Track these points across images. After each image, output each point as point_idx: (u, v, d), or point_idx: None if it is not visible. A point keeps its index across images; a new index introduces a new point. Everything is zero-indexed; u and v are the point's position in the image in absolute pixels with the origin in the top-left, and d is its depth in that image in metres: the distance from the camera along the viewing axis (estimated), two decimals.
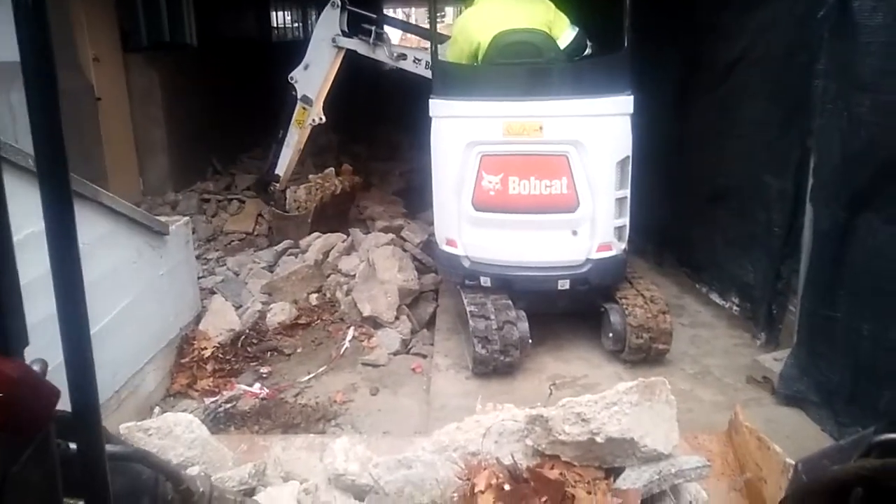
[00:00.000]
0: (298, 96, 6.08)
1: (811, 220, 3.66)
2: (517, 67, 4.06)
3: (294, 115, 6.14)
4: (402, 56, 5.61)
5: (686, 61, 5.12)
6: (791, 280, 4.05)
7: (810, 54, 3.65)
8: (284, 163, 6.41)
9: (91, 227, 3.54)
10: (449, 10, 32.48)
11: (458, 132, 4.06)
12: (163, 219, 4.52)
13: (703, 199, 5.03)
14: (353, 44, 5.79)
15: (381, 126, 11.46)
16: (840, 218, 3.34)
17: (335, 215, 6.74)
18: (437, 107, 4.16)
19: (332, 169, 7.02)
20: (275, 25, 14.97)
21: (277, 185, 6.53)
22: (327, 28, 5.88)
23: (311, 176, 6.83)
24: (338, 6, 5.76)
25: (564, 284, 4.06)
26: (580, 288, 4.09)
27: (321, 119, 6.18)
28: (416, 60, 5.54)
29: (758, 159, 4.30)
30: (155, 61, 8.04)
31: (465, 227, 4.16)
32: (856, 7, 3.12)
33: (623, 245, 4.17)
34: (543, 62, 4.05)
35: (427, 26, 5.43)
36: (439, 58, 4.37)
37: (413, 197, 7.38)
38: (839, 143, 3.32)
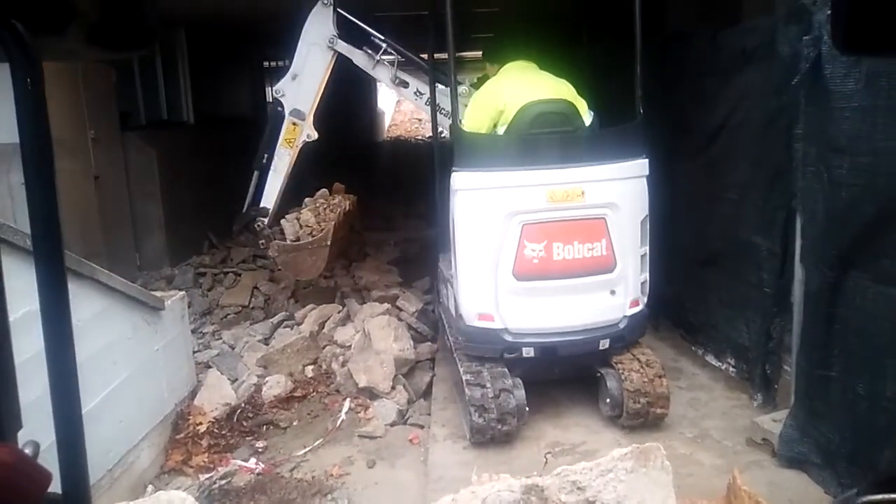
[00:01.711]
0: (287, 111, 5.35)
1: (801, 279, 3.70)
2: (555, 136, 4.04)
3: (282, 134, 5.40)
4: (404, 84, 5.21)
5: (674, 127, 5.25)
6: (783, 339, 4.06)
7: (789, 119, 3.78)
8: (273, 192, 5.56)
9: (87, 304, 3.56)
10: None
11: (496, 203, 3.96)
12: (158, 294, 4.55)
13: (696, 261, 5.08)
14: (352, 51, 5.23)
15: (374, 197, 11.61)
16: (829, 277, 3.36)
17: (342, 237, 6.29)
18: (465, 179, 4.01)
19: (325, 189, 6.44)
20: (269, 100, 15.31)
21: (265, 220, 5.63)
22: (319, 29, 5.20)
23: (306, 200, 6.17)
24: (329, 4, 5.15)
25: (605, 344, 4.10)
26: (617, 346, 4.15)
27: (314, 136, 5.47)
28: (418, 93, 5.17)
29: (746, 221, 4.38)
30: (152, 139, 8.19)
31: (504, 299, 4.04)
32: (828, 74, 3.23)
33: (645, 299, 4.26)
34: (574, 130, 4.06)
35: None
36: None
37: (408, 266, 7.42)
38: (822, 205, 3.38)
